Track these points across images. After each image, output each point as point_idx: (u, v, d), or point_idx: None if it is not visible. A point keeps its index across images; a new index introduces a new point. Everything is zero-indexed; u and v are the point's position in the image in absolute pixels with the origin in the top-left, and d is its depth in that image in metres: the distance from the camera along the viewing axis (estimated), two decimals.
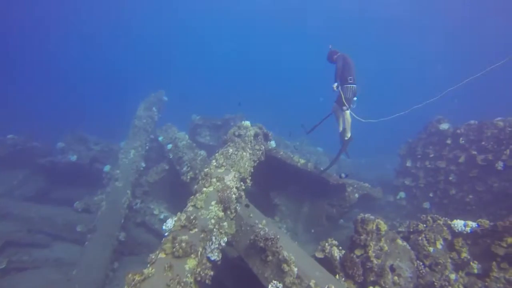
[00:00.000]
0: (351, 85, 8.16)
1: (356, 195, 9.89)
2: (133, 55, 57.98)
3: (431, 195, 11.06)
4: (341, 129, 8.88)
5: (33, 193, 12.39)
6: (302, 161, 9.31)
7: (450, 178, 10.48)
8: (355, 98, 8.44)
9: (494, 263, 5.10)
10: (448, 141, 10.98)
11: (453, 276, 5.10)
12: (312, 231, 9.93)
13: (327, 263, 5.57)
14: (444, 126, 11.37)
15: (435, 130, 11.61)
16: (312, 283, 4.53)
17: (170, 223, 5.59)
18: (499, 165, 9.03)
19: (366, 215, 6.05)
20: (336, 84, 8.21)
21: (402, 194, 12.11)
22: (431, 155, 11.47)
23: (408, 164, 12.31)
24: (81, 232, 10.08)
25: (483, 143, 9.82)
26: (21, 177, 12.53)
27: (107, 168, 12.55)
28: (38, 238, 10.15)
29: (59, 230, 10.49)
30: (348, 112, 8.46)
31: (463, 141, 10.46)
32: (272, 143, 9.21)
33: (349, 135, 8.73)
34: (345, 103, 8.18)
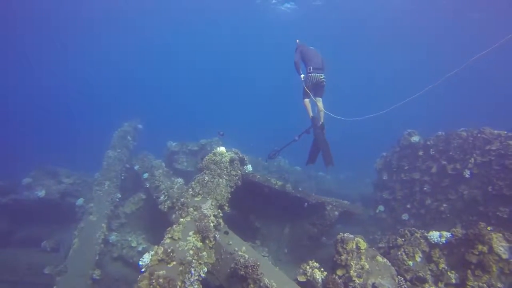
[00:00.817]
0: (312, 74, 8.24)
1: (336, 212, 9.95)
2: (105, 81, 57.14)
3: (408, 206, 11.31)
4: (310, 115, 8.60)
5: None
6: (280, 183, 9.33)
7: (425, 188, 10.81)
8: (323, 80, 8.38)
9: (469, 271, 5.22)
10: (420, 153, 11.40)
11: None
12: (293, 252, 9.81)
13: (310, 286, 5.48)
14: (415, 138, 11.82)
15: (407, 143, 12.04)
16: None
17: (146, 258, 5.36)
18: (467, 173, 9.44)
19: (346, 234, 6.07)
20: (303, 75, 8.36)
21: (381, 208, 12.32)
22: (406, 167, 11.83)
23: (385, 177, 12.62)
24: (50, 274, 9.38)
25: (451, 153, 10.28)
26: None
27: (80, 201, 11.96)
28: None
29: (23, 275, 9.67)
30: (320, 101, 8.48)
31: (433, 152, 10.89)
32: (249, 167, 9.19)
33: (321, 121, 8.45)
34: (306, 91, 8.22)
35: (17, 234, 11.93)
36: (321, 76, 8.32)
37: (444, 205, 10.03)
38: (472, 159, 9.47)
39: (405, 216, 11.19)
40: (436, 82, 6.92)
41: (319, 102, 8.55)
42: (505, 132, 9.23)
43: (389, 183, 12.36)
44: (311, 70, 8.31)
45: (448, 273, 5.56)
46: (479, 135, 9.67)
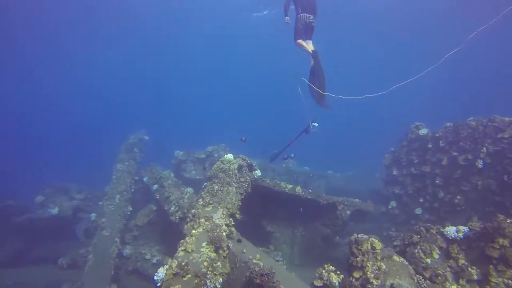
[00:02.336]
0: (301, 15, 8.16)
1: (348, 212, 9.86)
2: (106, 96, 57.65)
3: (421, 200, 11.15)
4: (310, 50, 8.32)
5: (7, 256, 11.50)
6: (290, 186, 9.28)
7: (437, 181, 10.64)
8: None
9: (491, 266, 5.09)
10: (429, 145, 11.22)
11: (454, 287, 5.04)
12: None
13: None
14: (423, 131, 11.65)
15: (415, 136, 11.88)
16: None
17: (161, 273, 5.35)
18: (479, 163, 9.26)
19: (360, 235, 5.98)
20: (287, 18, 8.39)
21: (393, 203, 12.17)
22: (415, 161, 11.66)
23: (395, 172, 12.45)
24: None
25: (461, 143, 10.10)
26: None
27: (92, 216, 12.09)
28: None
29: None
30: (310, 43, 8.32)
31: (443, 144, 10.71)
32: (257, 172, 9.16)
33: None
34: (297, 33, 8.14)
35: (32, 252, 12.08)
36: (310, 17, 8.20)
37: (458, 197, 9.85)
38: (484, 148, 9.29)
39: (418, 211, 11.03)
40: (438, 63, 6.84)
41: (310, 44, 8.39)
42: None
43: (399, 178, 12.21)
44: (300, 11, 8.25)
45: (469, 269, 5.43)
46: (489, 123, 9.48)
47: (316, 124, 8.29)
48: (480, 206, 9.32)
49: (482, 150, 9.31)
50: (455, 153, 10.14)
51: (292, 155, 8.80)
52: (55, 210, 12.38)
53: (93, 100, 55.82)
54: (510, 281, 4.76)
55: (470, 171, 9.67)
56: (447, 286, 5.10)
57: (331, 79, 8.11)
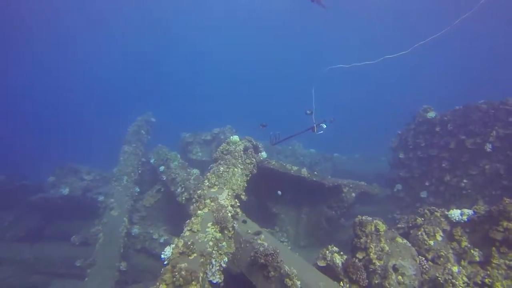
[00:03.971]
0: None
1: (353, 194, 9.91)
2: (115, 78, 57.72)
3: (427, 183, 11.11)
4: None
5: (25, 232, 12.13)
6: (295, 167, 9.30)
7: (443, 165, 10.56)
8: None
9: (493, 248, 5.12)
10: (437, 129, 11.07)
11: (455, 268, 5.09)
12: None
13: (330, 271, 5.52)
14: (431, 114, 11.47)
15: (423, 120, 11.71)
16: None
17: (168, 251, 5.52)
18: (488, 147, 9.13)
19: (364, 217, 6.03)
20: None
21: (398, 186, 12.15)
22: (422, 144, 11.54)
23: (401, 155, 12.36)
24: (81, 266, 9.87)
25: (470, 127, 9.94)
26: (12, 217, 12.25)
27: (101, 197, 12.40)
28: (35, 279, 9.94)
29: (57, 268, 10.31)
30: None
31: (451, 127, 10.55)
32: (263, 154, 9.19)
33: None
34: None
35: (47, 229, 12.61)
36: None
37: (465, 180, 9.79)
38: (494, 132, 9.13)
39: (423, 194, 11.01)
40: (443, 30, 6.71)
41: None
42: None
43: (405, 161, 12.12)
44: None
45: (472, 251, 5.47)
46: (501, 106, 9.27)
47: (325, 126, 8.18)
48: (487, 190, 9.27)
49: (491, 134, 9.15)
50: (463, 137, 9.99)
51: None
52: (66, 190, 12.71)
53: (101, 84, 56.02)
54: (511, 263, 4.79)
55: (478, 155, 9.56)
56: (449, 267, 5.15)
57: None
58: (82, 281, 9.01)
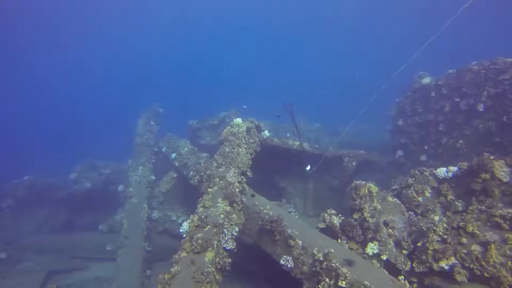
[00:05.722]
0: None
1: (354, 163, 10.49)
2: (121, 71, 58.35)
3: (426, 147, 11.54)
4: None
5: (60, 225, 13.41)
6: (297, 142, 9.88)
7: (440, 128, 10.95)
8: None
9: (473, 198, 5.69)
10: (432, 94, 11.36)
11: (437, 217, 5.72)
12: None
13: (329, 231, 6.22)
14: (426, 80, 11.72)
15: (418, 86, 11.98)
16: (315, 251, 5.20)
17: (185, 226, 6.30)
18: (480, 107, 9.47)
19: (358, 182, 6.66)
20: None
21: (399, 152, 12.60)
22: (420, 110, 11.88)
23: (400, 123, 12.74)
24: (111, 250, 10.94)
25: (463, 89, 10.24)
26: (46, 212, 13.43)
27: (120, 188, 13.40)
28: (75, 263, 11.13)
29: (91, 252, 11.48)
30: None
31: (445, 91, 10.85)
32: (266, 133, 9.78)
33: None
34: None
35: (77, 221, 13.83)
36: None
37: (460, 141, 10.20)
38: (485, 91, 9.44)
39: (423, 157, 11.47)
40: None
41: None
42: None
43: (405, 128, 12.51)
44: None
45: (456, 202, 6.06)
46: (491, 66, 9.52)
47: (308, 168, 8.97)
48: (481, 149, 9.66)
49: (483, 94, 9.47)
50: (457, 99, 10.32)
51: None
52: (88, 185, 13.73)
53: (107, 83, 56.80)
54: (484, 207, 5.37)
55: (472, 115, 9.92)
56: (431, 217, 5.78)
57: None
58: (115, 262, 10.06)
